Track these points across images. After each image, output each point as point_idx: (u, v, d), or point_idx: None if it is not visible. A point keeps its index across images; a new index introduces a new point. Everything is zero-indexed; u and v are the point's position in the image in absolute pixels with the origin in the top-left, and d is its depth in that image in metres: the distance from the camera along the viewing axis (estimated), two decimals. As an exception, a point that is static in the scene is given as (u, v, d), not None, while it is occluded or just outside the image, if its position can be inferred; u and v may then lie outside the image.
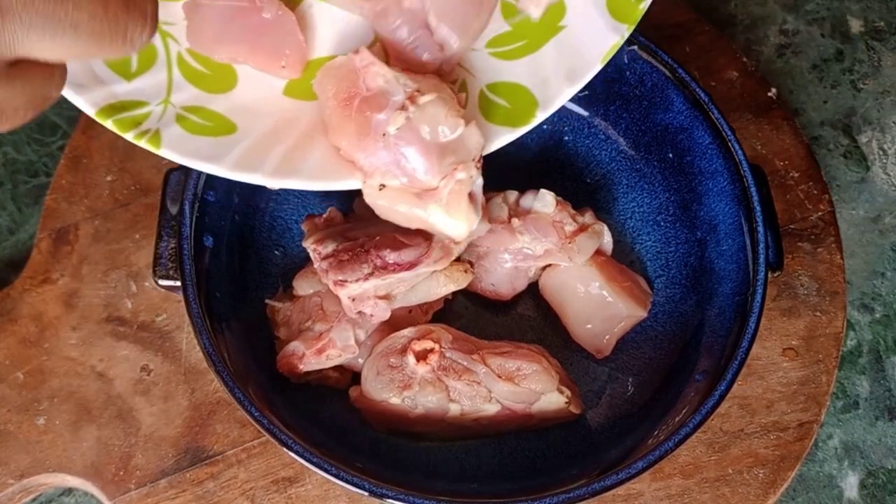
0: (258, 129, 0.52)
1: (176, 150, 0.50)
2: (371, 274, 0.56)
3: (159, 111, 0.50)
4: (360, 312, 0.57)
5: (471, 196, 0.51)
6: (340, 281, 0.56)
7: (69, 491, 0.66)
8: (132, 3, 0.38)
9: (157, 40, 0.52)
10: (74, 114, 0.77)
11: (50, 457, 0.63)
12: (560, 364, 0.61)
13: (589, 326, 0.63)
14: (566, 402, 0.59)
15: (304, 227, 0.61)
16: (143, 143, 0.49)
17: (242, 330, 0.61)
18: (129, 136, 0.49)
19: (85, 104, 0.49)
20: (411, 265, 0.56)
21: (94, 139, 0.73)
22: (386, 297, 0.58)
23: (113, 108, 0.49)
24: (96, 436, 0.64)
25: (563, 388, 0.59)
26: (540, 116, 0.52)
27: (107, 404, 0.65)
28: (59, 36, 0.36)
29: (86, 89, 0.49)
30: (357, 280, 0.56)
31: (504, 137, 0.52)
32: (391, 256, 0.56)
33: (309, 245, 0.59)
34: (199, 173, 0.59)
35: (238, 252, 0.64)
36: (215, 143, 0.50)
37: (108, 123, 0.49)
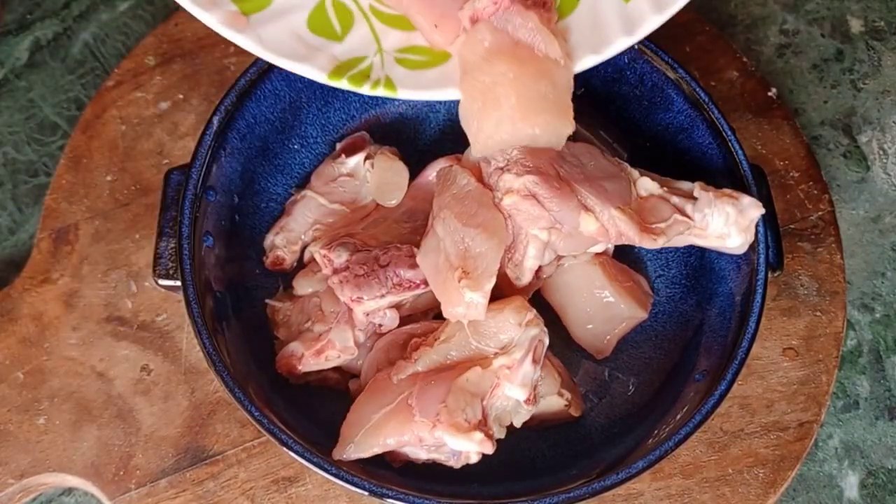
0: None
1: (411, 87, 0.53)
2: (388, 292, 0.57)
3: (378, 60, 0.53)
4: (370, 322, 0.58)
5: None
6: (357, 298, 0.56)
7: (69, 491, 0.66)
8: None
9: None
10: (74, 114, 0.77)
11: (50, 457, 0.63)
12: (561, 364, 0.61)
13: (590, 327, 0.63)
14: (566, 405, 0.59)
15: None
16: (380, 92, 0.52)
17: (242, 330, 0.61)
18: (365, 90, 0.52)
19: (314, 72, 0.52)
20: (426, 282, 0.57)
21: (94, 139, 0.73)
22: (396, 307, 0.58)
23: (340, 69, 0.53)
24: (96, 436, 0.64)
25: (564, 391, 0.59)
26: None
27: (107, 404, 0.65)
28: None
29: (309, 59, 0.52)
30: (374, 298, 0.56)
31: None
32: (407, 274, 0.57)
33: (318, 252, 0.59)
34: (200, 173, 0.59)
35: (238, 252, 0.64)
36: (441, 71, 0.53)
37: (343, 83, 0.52)
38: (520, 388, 0.53)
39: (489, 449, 0.53)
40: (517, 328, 0.55)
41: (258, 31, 0.52)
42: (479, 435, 0.52)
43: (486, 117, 0.52)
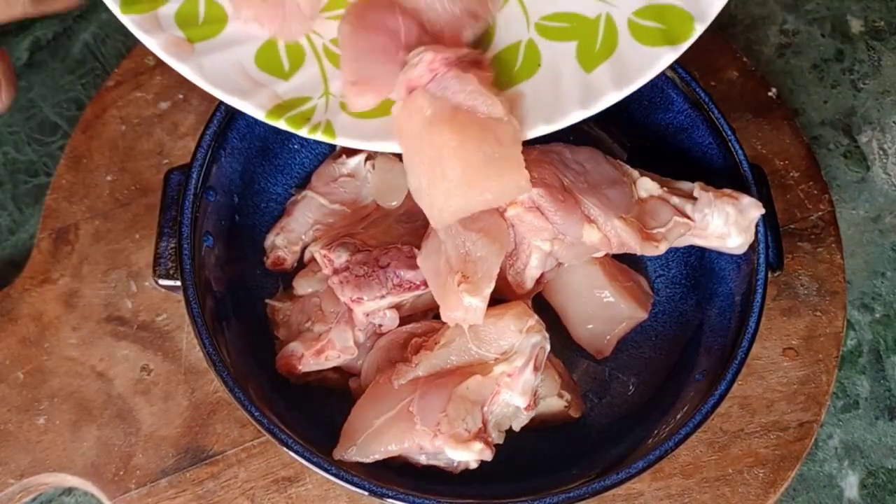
0: None
1: (351, 136, 0.51)
2: (388, 293, 0.57)
3: (323, 103, 0.52)
4: (370, 323, 0.58)
5: None
6: (357, 298, 0.56)
7: (69, 491, 0.66)
8: None
9: (300, 37, 0.53)
10: (74, 114, 0.77)
11: (50, 457, 0.63)
12: (562, 364, 0.61)
13: (590, 327, 0.63)
14: (566, 406, 0.59)
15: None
16: (318, 136, 0.51)
17: (242, 330, 0.61)
18: (303, 132, 0.51)
19: (252, 108, 0.51)
20: (426, 283, 0.57)
21: (95, 139, 0.73)
22: (396, 307, 0.58)
23: (280, 108, 0.51)
24: (96, 436, 0.64)
25: (564, 392, 0.59)
26: (699, 28, 0.51)
27: (107, 404, 0.65)
28: None
29: (249, 94, 0.51)
30: (374, 298, 0.56)
31: (666, 57, 0.51)
32: (407, 275, 0.57)
33: (318, 252, 0.59)
34: (200, 173, 0.59)
35: (238, 252, 0.64)
36: (385, 122, 0.52)
37: (281, 123, 0.51)
38: (520, 395, 0.53)
39: (488, 456, 0.53)
40: (518, 335, 0.54)
41: (200, 60, 0.50)
42: (478, 445, 0.52)
43: (435, 191, 0.50)
